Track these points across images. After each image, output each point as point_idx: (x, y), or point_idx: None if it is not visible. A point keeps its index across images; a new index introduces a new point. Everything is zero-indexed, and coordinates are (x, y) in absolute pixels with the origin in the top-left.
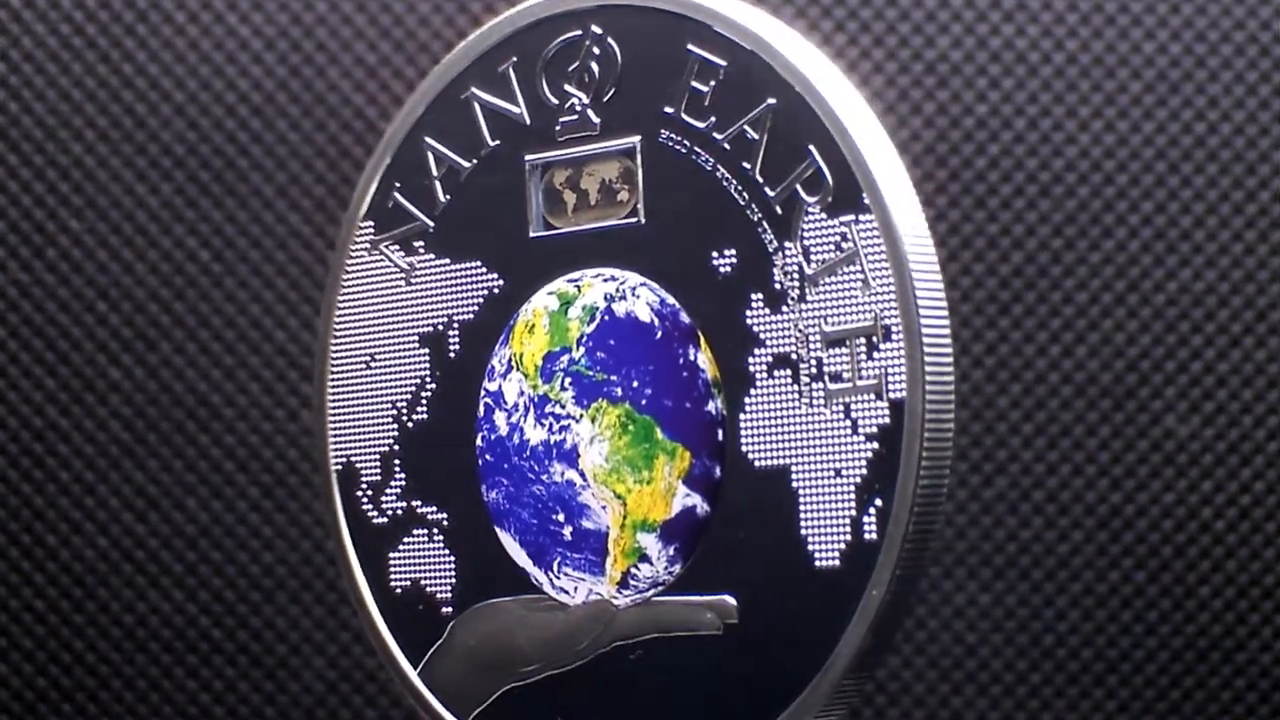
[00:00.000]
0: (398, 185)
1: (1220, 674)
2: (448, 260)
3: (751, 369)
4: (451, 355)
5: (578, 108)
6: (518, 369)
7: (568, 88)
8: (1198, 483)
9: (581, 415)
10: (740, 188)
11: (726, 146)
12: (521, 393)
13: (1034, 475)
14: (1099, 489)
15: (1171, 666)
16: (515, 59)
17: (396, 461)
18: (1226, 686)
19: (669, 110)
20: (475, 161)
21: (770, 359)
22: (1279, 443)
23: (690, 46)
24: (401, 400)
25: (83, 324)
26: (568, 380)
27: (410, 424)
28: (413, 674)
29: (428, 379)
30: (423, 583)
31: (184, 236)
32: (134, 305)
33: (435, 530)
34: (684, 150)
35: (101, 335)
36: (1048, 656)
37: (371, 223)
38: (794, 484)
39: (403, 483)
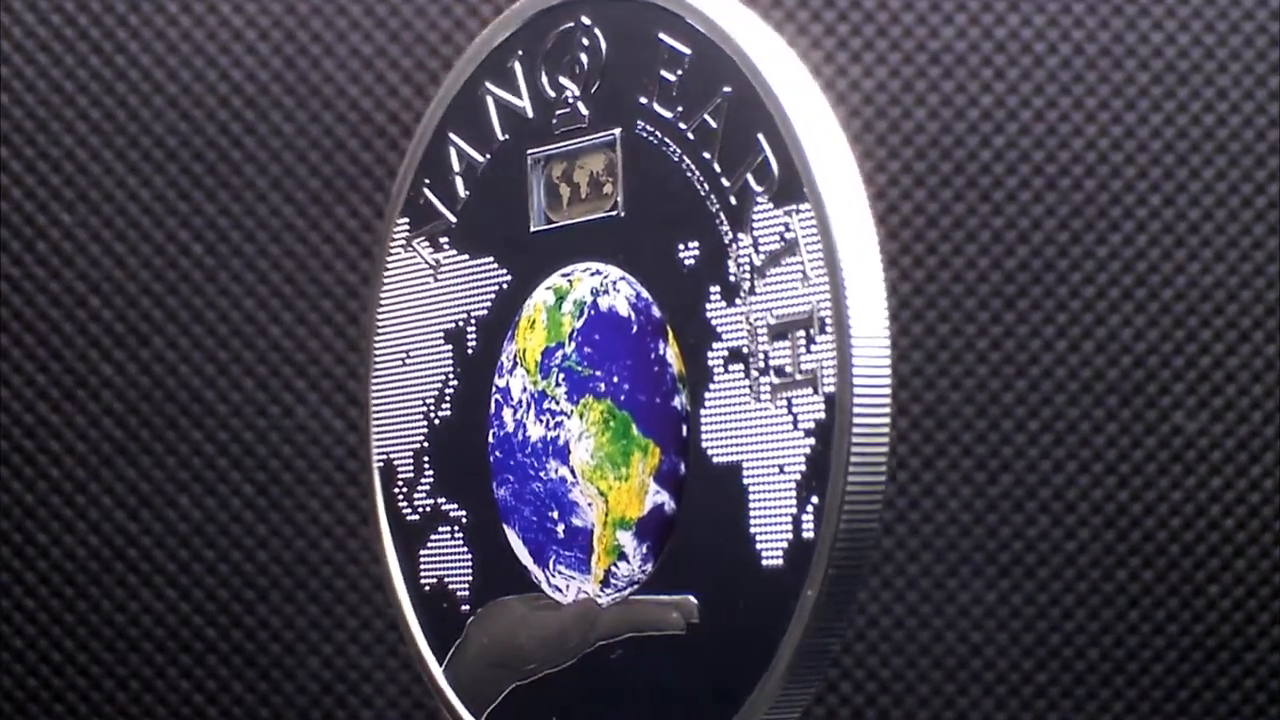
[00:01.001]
0: (427, 181)
1: (1229, 674)
2: (467, 256)
3: (710, 363)
4: (470, 351)
5: (570, 100)
6: (521, 364)
7: (562, 80)
8: (1206, 479)
9: (572, 411)
10: (702, 178)
11: (690, 136)
12: (525, 389)
13: (1040, 472)
14: (1106, 486)
15: (1179, 666)
16: (521, 52)
17: (426, 458)
18: (1235, 687)
19: (644, 101)
20: (489, 156)
21: (726, 353)
22: None
23: (661, 35)
24: (430, 397)
25: (74, 319)
26: (561, 376)
27: (437, 421)
28: (439, 673)
29: (451, 376)
30: (446, 580)
31: (177, 230)
32: (126, 300)
33: (457, 528)
34: (656, 141)
35: (94, 330)
36: (1054, 656)
37: (406, 219)
38: (745, 481)
39: (431, 480)
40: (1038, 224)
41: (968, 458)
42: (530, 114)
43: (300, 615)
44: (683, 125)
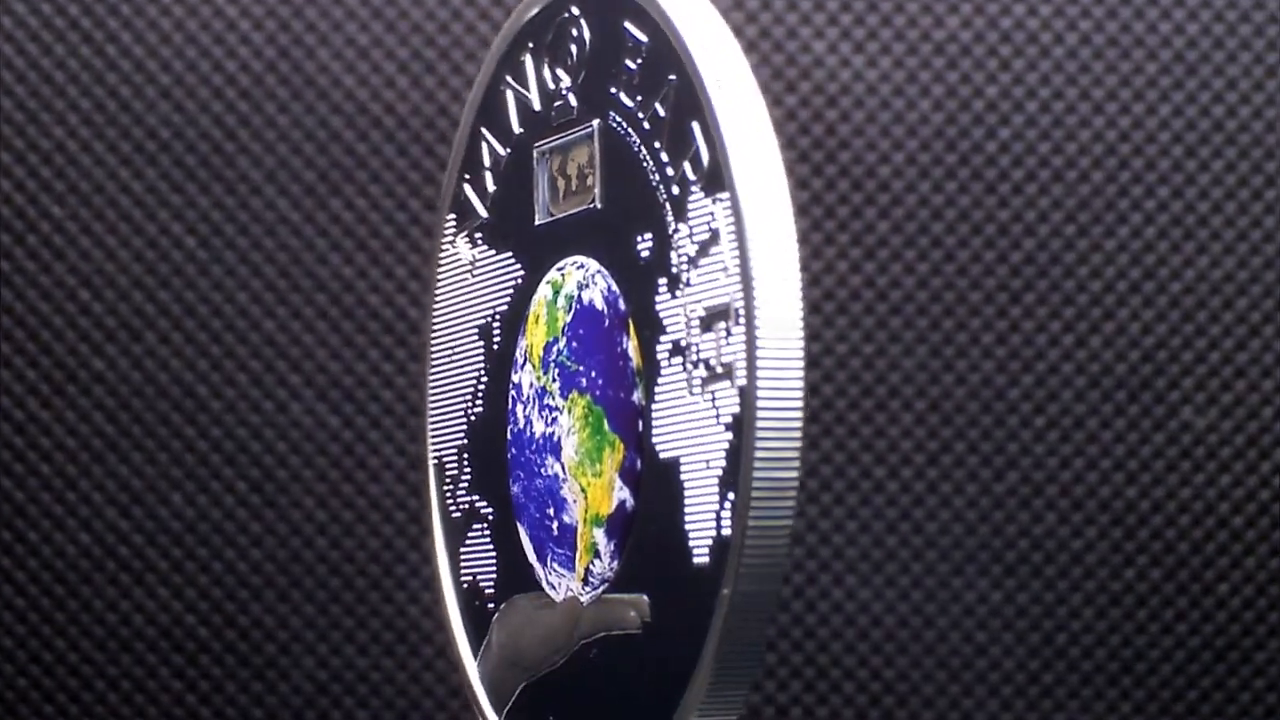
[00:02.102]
0: (466, 178)
1: (1239, 674)
2: (494, 251)
3: (658, 357)
4: (495, 347)
5: (564, 92)
6: (529, 360)
7: (558, 71)
8: (1215, 477)
9: (563, 406)
10: (653, 168)
11: (647, 126)
12: (531, 384)
13: (1046, 469)
14: (1112, 483)
15: (1188, 666)
16: (531, 44)
17: (465, 455)
18: (1245, 687)
19: (614, 91)
20: (509, 150)
21: (670, 346)
22: None
23: (626, 24)
24: (467, 393)
25: (65, 313)
26: (557, 371)
27: (473, 417)
28: (474, 673)
29: (483, 372)
30: (479, 578)
31: (169, 223)
32: (118, 294)
33: (485, 525)
34: (623, 132)
35: (84, 325)
36: (1061, 656)
37: (454, 215)
38: (682, 477)
39: (469, 477)
40: (1044, 217)
41: (973, 454)
42: (537, 106)
43: (295, 614)
44: (640, 115)
